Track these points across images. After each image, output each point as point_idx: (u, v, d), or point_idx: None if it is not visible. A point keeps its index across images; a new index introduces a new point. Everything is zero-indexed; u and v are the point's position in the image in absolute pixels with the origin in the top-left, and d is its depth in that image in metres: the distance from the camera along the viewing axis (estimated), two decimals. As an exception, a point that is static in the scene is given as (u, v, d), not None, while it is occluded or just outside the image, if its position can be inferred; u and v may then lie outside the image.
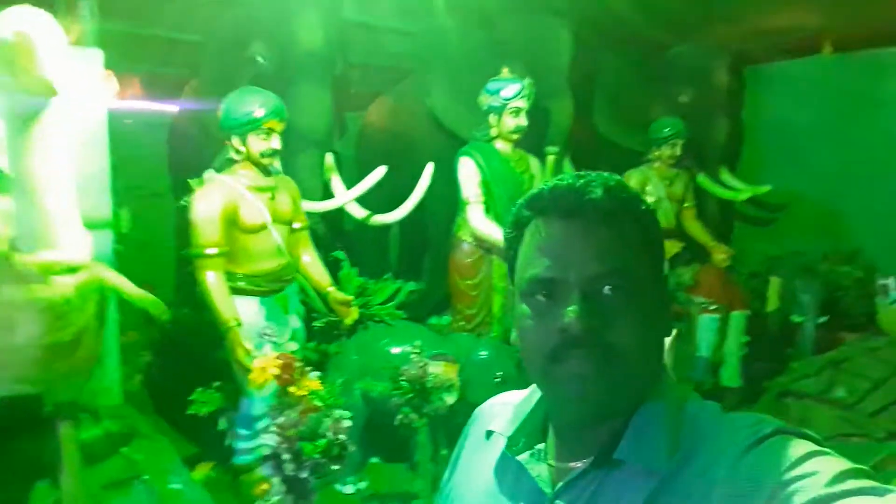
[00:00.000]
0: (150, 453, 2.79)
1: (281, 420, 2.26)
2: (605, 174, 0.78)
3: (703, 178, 4.54)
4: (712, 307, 4.18)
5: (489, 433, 0.88)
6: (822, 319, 4.29)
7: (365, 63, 4.16)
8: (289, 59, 3.42)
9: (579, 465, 0.76)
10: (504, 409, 0.88)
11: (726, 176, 4.62)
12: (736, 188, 4.58)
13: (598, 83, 4.68)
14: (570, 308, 0.72)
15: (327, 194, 3.58)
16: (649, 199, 4.03)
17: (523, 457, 0.81)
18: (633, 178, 4.25)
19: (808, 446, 0.66)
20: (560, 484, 0.76)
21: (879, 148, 4.58)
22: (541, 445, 0.82)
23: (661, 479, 0.70)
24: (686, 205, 4.39)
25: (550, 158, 3.86)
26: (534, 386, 0.85)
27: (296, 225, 3.06)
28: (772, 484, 0.63)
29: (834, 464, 0.62)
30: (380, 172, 3.51)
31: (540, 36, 3.92)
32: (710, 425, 0.72)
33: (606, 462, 0.74)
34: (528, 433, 0.83)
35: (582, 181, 0.76)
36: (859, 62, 4.71)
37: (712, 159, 4.62)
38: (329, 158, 3.57)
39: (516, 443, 0.82)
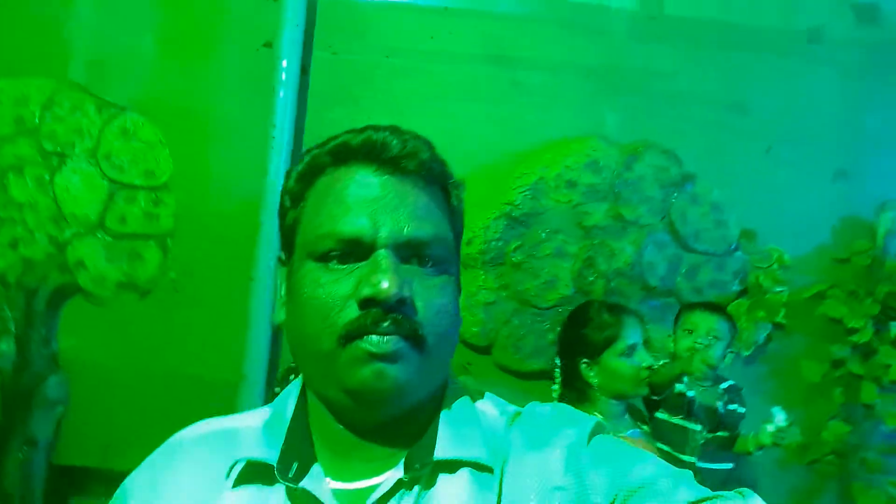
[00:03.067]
0: None
1: None
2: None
3: None
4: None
5: (234, 465, 0.64)
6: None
7: None
8: None
9: (379, 479, 0.61)
10: (247, 434, 0.67)
11: None
12: None
13: None
14: (381, 274, 0.58)
15: None
16: None
17: (303, 483, 0.62)
18: None
19: (632, 449, 0.65)
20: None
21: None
22: (315, 467, 0.64)
23: (496, 481, 0.60)
24: None
25: None
26: (279, 400, 0.70)
27: None
28: (624, 490, 0.60)
29: (671, 469, 0.62)
30: None
31: None
32: (505, 419, 0.67)
33: (424, 467, 0.60)
34: (298, 454, 0.64)
35: (404, 135, 0.64)
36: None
37: None
38: None
39: (287, 467, 0.62)
